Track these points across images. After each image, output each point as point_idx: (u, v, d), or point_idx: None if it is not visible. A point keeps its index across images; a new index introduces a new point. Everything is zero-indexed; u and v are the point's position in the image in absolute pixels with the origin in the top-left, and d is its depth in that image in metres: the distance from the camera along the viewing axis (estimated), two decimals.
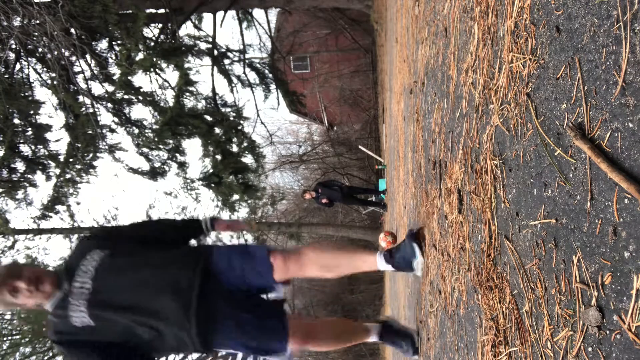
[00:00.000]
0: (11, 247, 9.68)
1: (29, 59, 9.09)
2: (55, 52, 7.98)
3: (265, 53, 16.83)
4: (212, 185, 11.23)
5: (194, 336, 1.80)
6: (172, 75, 20.83)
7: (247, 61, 14.38)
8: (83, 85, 9.45)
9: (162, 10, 10.98)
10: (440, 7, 2.06)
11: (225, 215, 12.24)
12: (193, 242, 2.25)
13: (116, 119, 10.20)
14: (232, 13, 14.04)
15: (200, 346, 1.83)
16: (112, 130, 10.11)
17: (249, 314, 1.91)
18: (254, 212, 13.30)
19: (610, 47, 0.68)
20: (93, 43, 8.99)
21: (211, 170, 11.19)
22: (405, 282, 4.27)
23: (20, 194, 9.28)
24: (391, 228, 6.99)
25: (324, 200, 8.85)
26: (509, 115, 1.07)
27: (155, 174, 10.78)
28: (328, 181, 9.69)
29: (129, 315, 1.78)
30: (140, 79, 74.49)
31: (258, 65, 14.75)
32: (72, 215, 10.20)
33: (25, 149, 9.33)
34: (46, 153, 9.49)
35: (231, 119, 11.56)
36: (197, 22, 12.95)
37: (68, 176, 9.73)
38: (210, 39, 12.59)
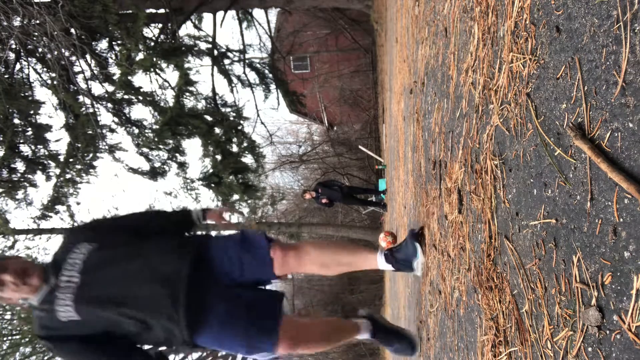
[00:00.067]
0: (11, 247, 9.68)
1: (29, 59, 9.09)
2: (55, 52, 7.98)
3: (265, 53, 16.84)
4: (212, 185, 11.23)
5: (183, 329, 1.75)
6: (172, 75, 20.85)
7: (247, 61, 14.39)
8: (83, 85, 9.46)
9: (162, 10, 10.98)
10: (440, 7, 2.06)
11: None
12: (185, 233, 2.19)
13: (116, 119, 10.21)
14: (232, 13, 14.05)
15: (189, 339, 1.79)
16: (112, 130, 10.11)
17: (240, 310, 1.85)
18: (254, 212, 13.30)
19: (610, 47, 0.68)
20: (93, 43, 8.99)
21: (211, 170, 11.19)
22: (405, 282, 4.27)
23: (20, 194, 9.28)
24: (391, 228, 6.99)
25: (324, 200, 8.85)
26: (509, 115, 1.07)
27: (155, 174, 10.78)
28: (328, 181, 9.68)
29: (117, 308, 1.74)
30: (140, 79, 74.56)
31: (258, 65, 14.76)
32: (72, 215, 10.20)
33: (25, 149, 9.33)
34: (46, 153, 9.49)
35: (231, 119, 11.56)
36: (197, 22, 12.96)
37: (68, 176, 9.73)
38: (210, 39, 12.59)
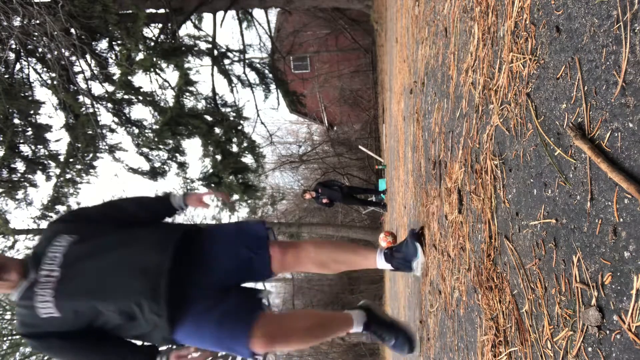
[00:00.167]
0: (11, 247, 9.68)
1: (29, 59, 9.09)
2: (55, 52, 7.98)
3: (265, 53, 16.84)
4: (212, 185, 11.23)
5: (164, 323, 1.68)
6: (172, 75, 20.90)
7: (247, 61, 14.39)
8: (83, 85, 9.46)
9: (162, 10, 10.98)
10: (440, 7, 2.06)
11: (225, 215, 12.25)
12: (168, 220, 2.10)
13: (116, 119, 10.21)
14: (232, 13, 14.05)
15: (169, 336, 1.72)
16: (112, 130, 10.10)
17: (218, 306, 1.76)
18: (254, 212, 13.30)
19: (610, 47, 0.68)
20: (93, 43, 8.99)
21: (211, 170, 11.19)
22: (405, 282, 4.27)
23: (20, 194, 9.27)
24: (391, 228, 6.99)
25: (324, 201, 8.85)
26: (509, 115, 1.07)
27: (155, 174, 10.78)
28: (328, 181, 9.68)
29: (97, 301, 1.67)
30: (140, 79, 74.64)
31: (258, 65, 14.76)
32: None
33: (25, 149, 9.33)
34: (46, 153, 9.48)
35: (231, 119, 11.56)
36: (197, 22, 12.96)
37: (68, 176, 9.73)
38: (210, 39, 12.59)
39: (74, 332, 1.72)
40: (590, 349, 0.70)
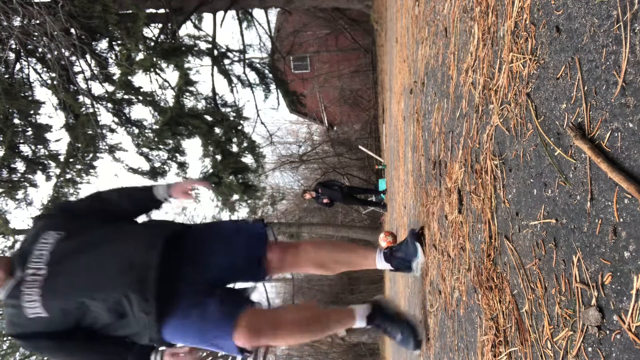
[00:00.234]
0: (11, 247, 9.68)
1: (29, 59, 9.09)
2: (55, 52, 7.98)
3: (265, 53, 16.84)
4: (212, 185, 11.23)
5: (152, 321, 1.65)
6: (172, 75, 20.88)
7: (247, 61, 14.39)
8: (83, 85, 9.46)
9: (162, 10, 10.98)
10: (440, 7, 2.06)
11: (225, 215, 12.24)
12: (154, 213, 2.04)
13: (116, 119, 10.20)
14: (232, 13, 14.05)
15: (156, 335, 1.68)
16: (112, 130, 10.10)
17: (203, 304, 1.71)
18: (254, 212, 13.30)
19: (610, 47, 0.68)
20: (93, 43, 8.99)
21: (211, 170, 11.19)
22: (405, 283, 4.26)
23: (20, 194, 9.27)
24: (391, 228, 6.99)
25: (325, 201, 8.85)
26: (509, 115, 1.07)
27: (155, 174, 10.77)
28: (328, 181, 9.69)
29: (86, 298, 1.63)
30: (140, 79, 74.63)
31: (258, 65, 14.76)
32: None
33: (25, 149, 9.32)
34: (46, 153, 9.48)
35: (231, 119, 11.56)
36: (197, 22, 12.96)
37: (68, 176, 9.73)
38: (210, 39, 12.60)
39: (62, 331, 1.69)
40: (590, 349, 0.70)
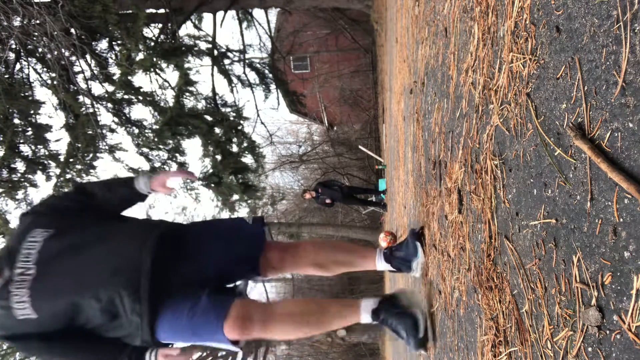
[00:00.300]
0: None
1: (29, 59, 9.10)
2: (55, 52, 7.98)
3: (265, 53, 16.85)
4: (212, 185, 11.23)
5: (145, 324, 1.62)
6: (172, 75, 20.89)
7: (247, 61, 14.40)
8: (83, 85, 9.46)
9: (162, 10, 10.99)
10: (440, 7, 2.06)
11: (225, 215, 12.24)
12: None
13: (116, 119, 10.21)
14: (232, 13, 14.06)
15: (149, 338, 1.65)
16: (112, 130, 10.11)
17: (197, 294, 1.68)
18: (254, 212, 13.30)
19: (610, 47, 0.68)
20: (93, 43, 8.99)
21: (211, 170, 11.19)
22: (405, 282, 4.26)
23: (20, 194, 9.27)
24: (391, 228, 6.99)
25: (328, 201, 8.86)
26: (509, 115, 1.07)
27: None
28: (328, 181, 9.70)
29: (78, 298, 1.60)
30: (140, 79, 74.64)
31: (258, 65, 14.77)
32: None
33: (25, 149, 9.33)
34: (46, 153, 9.48)
35: (231, 119, 11.57)
36: (197, 22, 12.97)
37: (68, 176, 9.73)
38: (210, 39, 12.60)
39: (54, 332, 1.65)
40: (590, 349, 0.70)
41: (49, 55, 8.12)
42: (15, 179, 9.15)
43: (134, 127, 10.42)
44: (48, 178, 9.60)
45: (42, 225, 1.72)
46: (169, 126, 10.11)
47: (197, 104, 11.25)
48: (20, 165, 9.28)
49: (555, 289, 0.82)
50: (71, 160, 9.65)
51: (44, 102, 9.07)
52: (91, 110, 9.49)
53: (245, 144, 11.79)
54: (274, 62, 16.23)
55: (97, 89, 19.94)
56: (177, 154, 10.86)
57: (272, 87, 14.93)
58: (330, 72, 19.91)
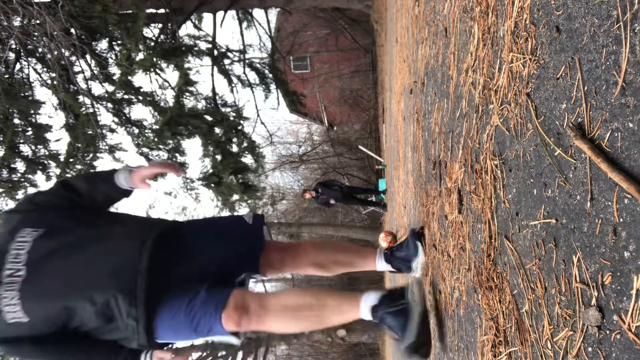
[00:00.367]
0: None
1: (29, 59, 9.10)
2: (55, 52, 7.98)
3: (265, 53, 16.86)
4: (212, 185, 11.24)
5: (141, 328, 1.58)
6: (172, 75, 20.89)
7: (247, 61, 14.41)
8: (83, 85, 9.46)
9: (162, 10, 10.99)
10: (440, 7, 2.06)
11: (225, 214, 12.24)
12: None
13: (116, 119, 10.21)
14: (232, 13, 14.06)
15: (145, 342, 1.61)
16: (112, 130, 10.11)
17: (195, 289, 1.64)
18: (253, 212, 13.31)
19: (610, 47, 0.68)
20: (93, 43, 8.99)
21: (211, 170, 11.20)
22: (405, 282, 4.26)
23: (20, 194, 9.28)
24: (391, 228, 6.99)
25: (332, 201, 8.86)
26: (509, 115, 1.07)
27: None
28: (328, 181, 9.69)
29: (71, 300, 1.55)
30: (140, 79, 74.64)
31: (258, 65, 14.78)
32: None
33: (25, 149, 9.33)
34: (46, 153, 9.49)
35: (231, 119, 11.57)
36: (197, 22, 12.97)
37: (68, 176, 9.73)
38: (210, 39, 12.61)
39: (47, 335, 1.60)
40: (590, 349, 0.70)
41: (49, 55, 8.12)
42: (15, 179, 9.15)
43: (134, 127, 10.42)
44: (48, 178, 9.60)
45: (31, 224, 1.65)
46: (169, 126, 10.12)
47: (197, 104, 11.26)
48: (20, 165, 9.29)
49: (555, 289, 0.82)
50: (71, 160, 9.65)
51: (44, 102, 9.07)
52: (91, 110, 9.50)
53: (245, 144, 11.80)
54: (274, 62, 16.23)
55: (97, 89, 19.97)
56: (177, 154, 10.86)
57: (272, 87, 14.94)
58: (330, 72, 19.92)
